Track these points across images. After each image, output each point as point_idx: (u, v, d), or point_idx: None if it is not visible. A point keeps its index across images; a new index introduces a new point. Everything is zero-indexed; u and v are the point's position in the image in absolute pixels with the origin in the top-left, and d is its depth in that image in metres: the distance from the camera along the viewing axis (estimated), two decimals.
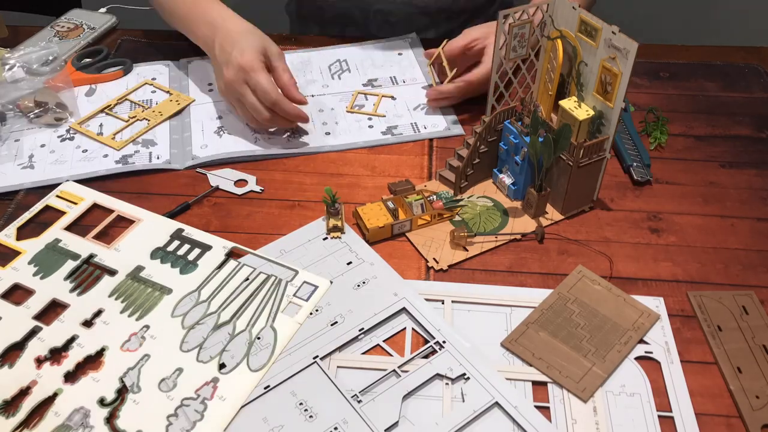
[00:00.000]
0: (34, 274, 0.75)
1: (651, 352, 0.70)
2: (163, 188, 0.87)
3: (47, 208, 0.84)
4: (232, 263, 0.77)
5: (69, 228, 0.81)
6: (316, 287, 0.74)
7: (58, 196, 0.85)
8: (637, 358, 0.69)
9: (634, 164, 0.90)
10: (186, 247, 0.78)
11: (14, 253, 0.78)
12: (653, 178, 0.89)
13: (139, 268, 0.76)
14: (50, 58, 1.06)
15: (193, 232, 0.80)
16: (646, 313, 0.73)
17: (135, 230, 0.81)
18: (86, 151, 0.92)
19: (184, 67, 1.07)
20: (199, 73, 1.06)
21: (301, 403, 0.65)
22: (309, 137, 0.94)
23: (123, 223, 0.82)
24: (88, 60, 1.06)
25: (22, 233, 0.81)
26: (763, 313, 0.74)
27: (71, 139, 0.94)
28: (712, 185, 0.89)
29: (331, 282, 0.75)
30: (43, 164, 0.90)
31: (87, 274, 0.76)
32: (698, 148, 0.95)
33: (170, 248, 0.78)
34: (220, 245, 0.78)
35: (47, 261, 0.77)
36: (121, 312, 0.72)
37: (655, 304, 0.74)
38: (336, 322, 0.72)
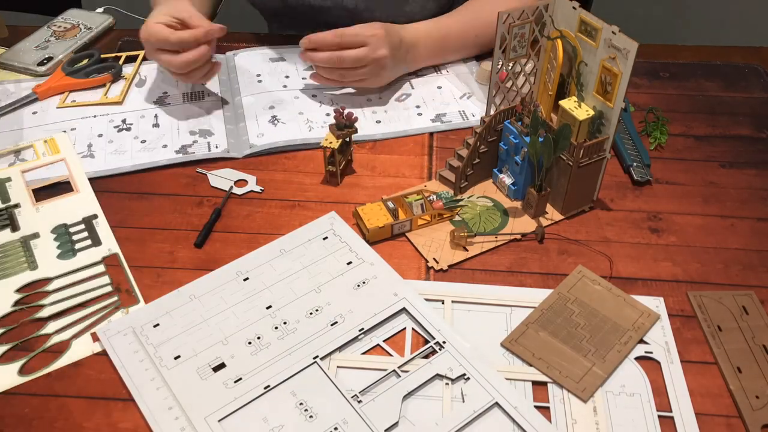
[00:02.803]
0: None
1: (651, 352, 0.70)
2: (163, 188, 0.87)
3: (29, 146, 0.91)
4: (99, 267, 0.78)
5: (27, 171, 0.88)
6: None
7: (45, 141, 0.92)
8: (637, 358, 0.69)
9: (634, 164, 0.90)
10: (83, 234, 0.81)
11: None
12: (653, 178, 0.89)
13: (35, 236, 0.80)
14: (46, 57, 1.06)
15: (102, 223, 0.82)
16: (646, 313, 0.73)
17: (65, 199, 0.85)
18: (145, 141, 0.93)
19: (231, 59, 1.08)
20: (247, 64, 1.07)
21: (301, 403, 0.65)
22: (360, 126, 0.94)
23: (67, 187, 0.87)
24: (78, 65, 1.04)
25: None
26: (763, 313, 0.74)
27: (128, 129, 0.95)
28: (712, 185, 0.89)
29: None
30: (103, 153, 0.91)
31: None
32: (698, 148, 0.95)
33: (73, 229, 0.81)
34: (106, 248, 0.80)
35: None
36: None
37: (655, 304, 0.74)
38: (336, 322, 0.72)
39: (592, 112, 0.78)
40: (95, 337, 0.71)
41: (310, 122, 0.96)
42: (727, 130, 0.98)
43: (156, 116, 0.98)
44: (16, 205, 0.84)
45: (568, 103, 0.79)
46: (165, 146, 0.93)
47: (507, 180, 0.86)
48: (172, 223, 0.83)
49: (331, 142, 0.85)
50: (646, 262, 0.79)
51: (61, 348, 0.70)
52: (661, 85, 1.06)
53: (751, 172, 0.91)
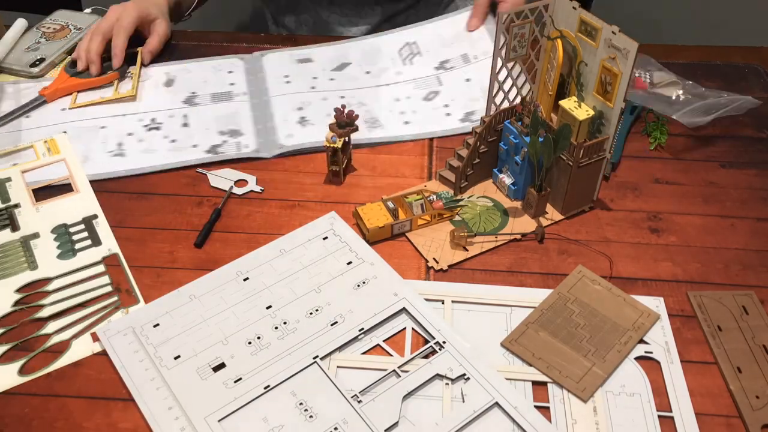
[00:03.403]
0: None
1: (651, 352, 0.70)
2: (163, 188, 0.87)
3: (30, 147, 0.92)
4: (99, 267, 0.77)
5: (27, 171, 0.88)
6: None
7: (45, 141, 0.92)
8: (637, 358, 0.70)
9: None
10: (83, 235, 0.81)
11: None
12: (654, 178, 0.89)
13: (35, 236, 0.80)
14: (38, 58, 1.06)
15: (102, 223, 0.82)
16: (646, 313, 0.73)
17: (65, 199, 0.85)
18: (174, 141, 0.94)
19: (258, 60, 1.08)
20: (275, 64, 1.07)
21: (301, 403, 0.65)
22: (388, 127, 0.93)
23: (67, 188, 0.87)
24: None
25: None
26: (763, 313, 0.74)
27: (158, 128, 0.96)
28: (712, 185, 0.89)
29: None
30: (133, 152, 0.92)
31: None
32: (698, 148, 0.95)
33: (73, 229, 0.81)
34: (106, 248, 0.79)
35: None
36: None
37: (655, 304, 0.74)
38: (336, 322, 0.72)
39: (592, 112, 0.78)
40: (95, 337, 0.71)
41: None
42: (728, 130, 0.98)
43: (185, 116, 0.98)
44: (16, 205, 0.84)
45: (568, 103, 0.79)
46: (195, 146, 0.93)
47: (507, 180, 0.86)
48: (172, 223, 0.83)
49: (333, 142, 0.85)
50: (646, 262, 0.79)
51: (61, 348, 0.70)
52: None
53: (751, 172, 0.91)
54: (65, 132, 0.94)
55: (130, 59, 1.06)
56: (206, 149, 0.92)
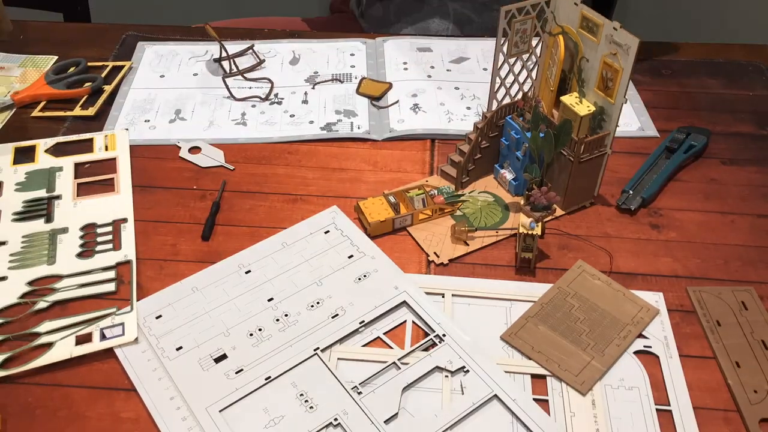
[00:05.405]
0: (17, 184, 0.87)
1: (650, 347, 0.70)
2: (166, 182, 0.88)
3: (90, 139, 0.94)
4: (109, 273, 0.76)
5: (79, 164, 0.90)
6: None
7: (106, 135, 0.93)
8: (636, 353, 0.70)
9: (631, 192, 0.86)
10: (108, 237, 0.80)
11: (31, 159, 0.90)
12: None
13: (64, 230, 0.80)
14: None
15: (129, 228, 0.81)
16: (645, 308, 0.73)
17: (103, 198, 0.85)
18: (294, 116, 0.99)
19: (380, 45, 1.11)
20: (395, 51, 1.10)
21: (301, 394, 0.66)
22: None
23: (108, 188, 0.87)
24: (61, 75, 1.01)
25: (61, 148, 0.92)
26: (762, 309, 0.74)
27: (279, 103, 1.01)
28: (713, 182, 0.90)
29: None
30: (255, 123, 0.97)
31: (37, 208, 0.84)
32: None
33: (100, 230, 0.81)
34: (123, 254, 0.78)
35: (37, 180, 0.87)
36: (11, 254, 0.78)
37: (655, 299, 0.75)
38: (337, 315, 0.72)
39: (593, 108, 0.78)
40: (78, 340, 0.70)
41: (450, 114, 0.98)
42: (729, 128, 0.98)
43: (306, 93, 1.03)
44: (58, 197, 0.85)
45: (570, 99, 0.79)
46: (311, 122, 0.97)
47: (508, 175, 0.86)
48: (175, 216, 0.84)
49: (532, 229, 0.75)
50: (646, 258, 0.80)
51: (45, 348, 0.69)
52: (663, 83, 1.06)
53: (752, 169, 0.92)
54: (127, 129, 0.95)
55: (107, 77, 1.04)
56: (321, 126, 0.96)
